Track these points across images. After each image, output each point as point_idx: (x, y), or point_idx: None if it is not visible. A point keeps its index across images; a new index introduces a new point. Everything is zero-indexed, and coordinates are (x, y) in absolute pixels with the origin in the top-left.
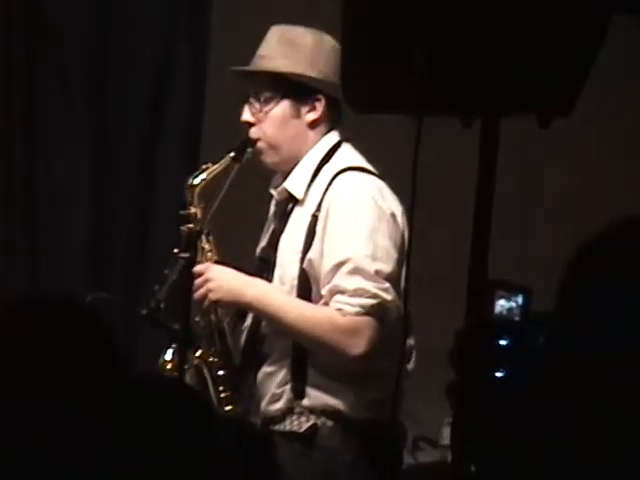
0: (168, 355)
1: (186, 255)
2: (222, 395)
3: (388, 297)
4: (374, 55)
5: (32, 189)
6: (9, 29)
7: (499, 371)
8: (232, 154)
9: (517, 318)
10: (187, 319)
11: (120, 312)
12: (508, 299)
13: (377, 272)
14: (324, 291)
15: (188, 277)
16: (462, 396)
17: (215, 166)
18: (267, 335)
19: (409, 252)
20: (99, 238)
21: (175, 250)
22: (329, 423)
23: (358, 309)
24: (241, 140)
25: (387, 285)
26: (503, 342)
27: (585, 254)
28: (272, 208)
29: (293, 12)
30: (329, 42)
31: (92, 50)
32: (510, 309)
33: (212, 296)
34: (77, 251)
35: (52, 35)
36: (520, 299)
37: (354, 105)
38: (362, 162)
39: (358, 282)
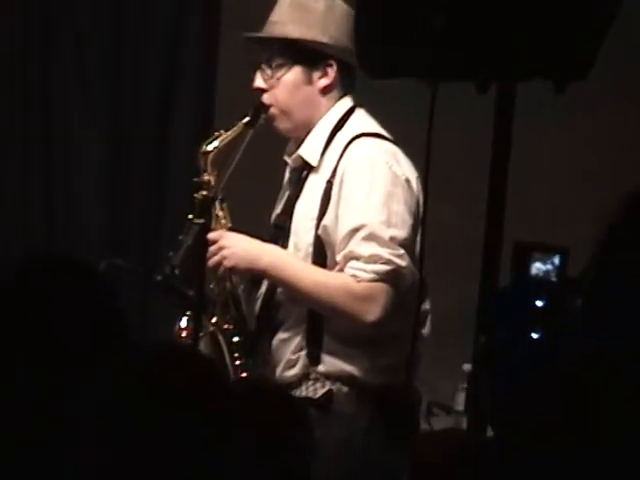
0: (183, 322)
1: (200, 221)
2: (237, 362)
3: (403, 263)
4: (389, 19)
5: (48, 156)
6: (24, 12)
7: (535, 332)
8: (245, 120)
9: (554, 279)
10: (201, 285)
11: (135, 278)
12: (545, 260)
13: (392, 238)
14: (339, 257)
15: (202, 243)
16: (492, 356)
17: (228, 133)
18: (282, 302)
19: (424, 218)
20: (114, 205)
21: (189, 216)
22: (344, 389)
23: (373, 275)
24: (254, 106)
25: (402, 251)
26: (539, 303)
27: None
28: (287, 175)
29: None
30: (341, 7)
31: (106, 6)
32: (547, 270)
33: (227, 263)
34: (93, 217)
35: (68, 18)
36: (557, 260)
37: (369, 70)
38: (376, 128)
39: (373, 248)
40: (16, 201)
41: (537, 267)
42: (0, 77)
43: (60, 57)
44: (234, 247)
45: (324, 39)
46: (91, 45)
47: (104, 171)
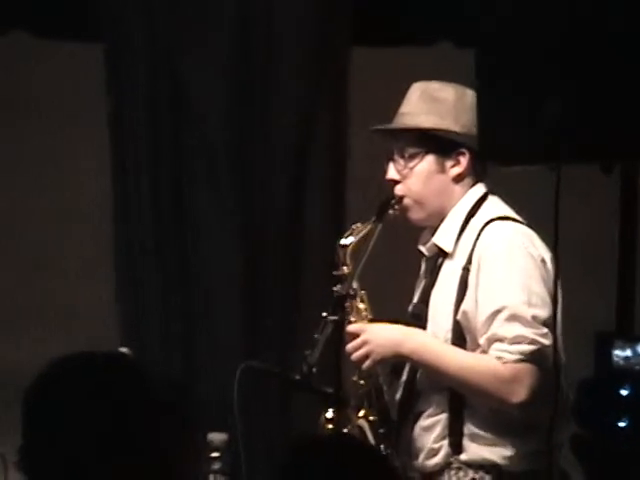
0: (329, 414)
1: (335, 318)
2: (384, 453)
3: (547, 342)
4: (511, 108)
5: (183, 258)
6: (154, 101)
7: (621, 421)
8: (379, 213)
9: (638, 367)
10: (339, 382)
11: (274, 378)
12: (628, 348)
13: (534, 317)
14: (482, 340)
15: (338, 340)
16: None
17: (363, 225)
18: (422, 390)
19: (554, 300)
20: (251, 305)
21: (324, 314)
22: (487, 477)
23: (518, 356)
24: (386, 198)
25: (545, 330)
26: (624, 392)
27: None
28: (422, 265)
29: (432, 69)
30: (470, 95)
31: (234, 113)
32: (630, 358)
33: (375, 357)
34: (230, 320)
35: (196, 105)
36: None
37: (494, 158)
38: (510, 212)
39: (516, 329)
40: (154, 306)
41: (620, 354)
42: (132, 198)
43: (192, 166)
44: (377, 339)
45: (456, 128)
46: (222, 147)
47: (240, 271)
